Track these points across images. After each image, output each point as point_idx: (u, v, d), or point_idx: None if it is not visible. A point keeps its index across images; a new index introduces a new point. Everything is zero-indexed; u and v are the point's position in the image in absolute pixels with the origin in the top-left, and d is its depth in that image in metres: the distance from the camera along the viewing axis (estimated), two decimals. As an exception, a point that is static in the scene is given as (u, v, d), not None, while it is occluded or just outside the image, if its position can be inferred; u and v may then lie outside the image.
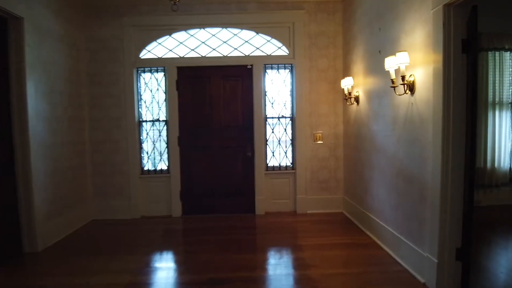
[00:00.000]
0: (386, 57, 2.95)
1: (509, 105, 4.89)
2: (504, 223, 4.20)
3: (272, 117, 4.96)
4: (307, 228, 4.28)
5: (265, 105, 4.91)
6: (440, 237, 2.52)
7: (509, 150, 4.92)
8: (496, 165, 4.85)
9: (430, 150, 2.59)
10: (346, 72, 4.65)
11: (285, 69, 4.94)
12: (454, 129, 2.42)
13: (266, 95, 4.92)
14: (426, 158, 2.65)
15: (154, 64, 4.89)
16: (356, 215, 4.37)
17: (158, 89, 4.96)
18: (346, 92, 4.25)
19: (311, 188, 4.94)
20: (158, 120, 4.97)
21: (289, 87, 4.95)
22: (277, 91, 4.95)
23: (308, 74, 4.83)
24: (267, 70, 4.92)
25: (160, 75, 4.95)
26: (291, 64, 4.86)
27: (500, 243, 3.62)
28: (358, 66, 4.17)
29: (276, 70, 4.93)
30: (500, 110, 4.82)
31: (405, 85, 2.84)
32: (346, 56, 4.69)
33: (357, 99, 4.20)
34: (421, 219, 2.77)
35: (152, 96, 4.97)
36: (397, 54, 2.78)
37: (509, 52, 4.80)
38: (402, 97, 3.00)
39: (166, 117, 4.93)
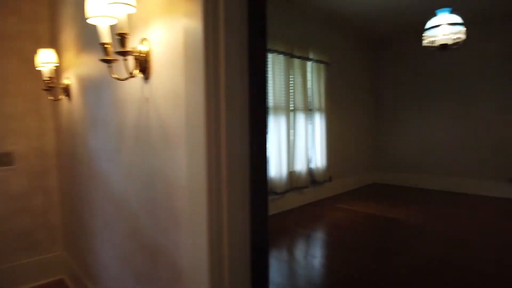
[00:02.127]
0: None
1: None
2: (276, 233, 3.63)
3: None
4: None
5: None
6: None
7: (286, 158, 4.53)
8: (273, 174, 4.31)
9: (184, 201, 1.19)
10: (54, 44, 2.73)
11: None
12: (231, 158, 1.11)
13: None
14: (177, 217, 1.24)
15: None
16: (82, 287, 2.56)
17: None
18: (46, 77, 2.33)
19: (-6, 252, 2.69)
20: None
21: None
22: None
23: (-25, 40, 2.55)
24: None
25: None
26: None
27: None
28: (69, 34, 2.37)
29: None
30: (259, 115, 4.30)
31: (135, 60, 1.34)
32: (53, 18, 2.76)
33: (67, 90, 2.39)
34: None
35: None
36: (109, -15, 1.22)
37: (282, 55, 4.35)
38: (131, 85, 1.49)
39: None
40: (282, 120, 4.62)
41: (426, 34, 3.32)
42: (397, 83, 6.41)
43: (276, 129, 4.55)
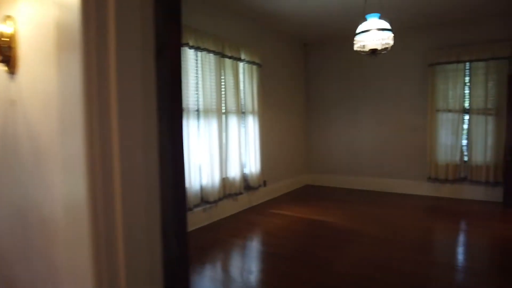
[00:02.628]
0: None
1: (196, 112, 4.15)
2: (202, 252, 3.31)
3: None
4: None
5: None
6: None
7: (218, 164, 4.21)
8: (188, 185, 3.97)
9: (64, 244, 0.85)
10: None
11: None
12: (130, 179, 0.81)
13: None
14: (57, 265, 0.90)
15: None
16: None
17: None
18: None
19: None
20: None
21: None
22: None
23: None
24: None
25: None
26: None
27: None
28: None
29: None
30: (188, 118, 3.96)
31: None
32: None
33: None
34: None
35: None
36: None
37: (193, 49, 4.02)
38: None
39: None
40: (214, 124, 4.34)
41: (357, 38, 3.33)
42: (328, 87, 6.57)
43: (207, 134, 4.25)
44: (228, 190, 4.67)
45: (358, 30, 3.32)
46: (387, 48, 3.33)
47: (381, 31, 3.21)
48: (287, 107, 6.21)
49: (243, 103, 4.97)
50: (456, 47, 5.17)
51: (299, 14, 4.96)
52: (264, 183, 5.53)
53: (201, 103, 4.16)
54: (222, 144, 4.49)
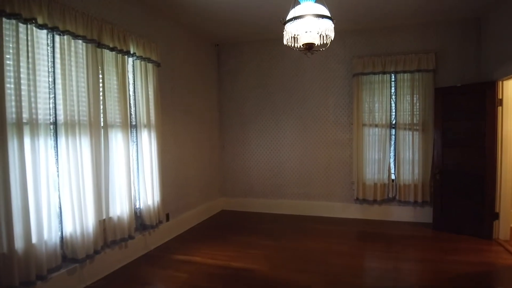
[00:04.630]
0: None
1: (52, 126, 2.72)
2: None
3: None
4: None
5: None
6: None
7: (93, 200, 2.76)
8: (35, 240, 2.49)
9: None
10: None
11: None
12: None
13: None
14: None
15: None
16: None
17: None
18: None
19: None
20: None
21: None
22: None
23: None
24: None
25: None
26: None
27: None
28: None
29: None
30: (34, 136, 2.50)
31: None
32: None
33: None
34: None
35: None
36: None
37: (46, 30, 2.60)
38: None
39: None
40: (85, 143, 2.96)
41: (287, 28, 2.39)
42: (244, 95, 5.62)
43: (73, 158, 2.84)
44: (112, 235, 3.29)
45: (289, 16, 2.39)
46: (326, 43, 2.47)
47: (319, 19, 2.32)
48: (195, 119, 5.05)
49: (133, 113, 3.66)
50: (381, 57, 4.72)
51: (209, 7, 3.91)
52: (167, 217, 4.26)
53: (61, 112, 2.74)
54: (99, 171, 3.12)
